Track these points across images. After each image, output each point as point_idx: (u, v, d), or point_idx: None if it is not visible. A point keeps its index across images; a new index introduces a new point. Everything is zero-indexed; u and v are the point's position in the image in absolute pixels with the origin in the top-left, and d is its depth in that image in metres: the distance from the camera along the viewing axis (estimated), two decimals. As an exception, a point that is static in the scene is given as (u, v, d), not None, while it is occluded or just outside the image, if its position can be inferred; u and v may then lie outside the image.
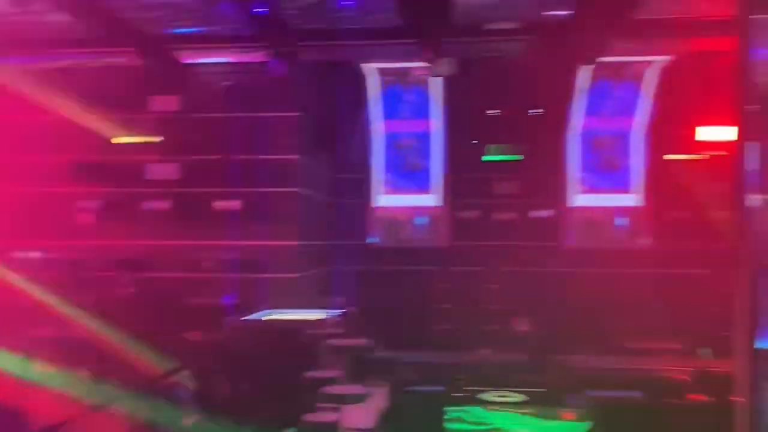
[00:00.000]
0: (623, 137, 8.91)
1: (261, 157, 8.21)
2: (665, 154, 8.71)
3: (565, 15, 6.66)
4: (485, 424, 5.43)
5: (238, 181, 8.24)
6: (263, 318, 7.17)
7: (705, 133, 8.02)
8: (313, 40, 7.19)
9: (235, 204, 8.39)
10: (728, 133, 5.22)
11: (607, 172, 8.92)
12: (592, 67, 7.97)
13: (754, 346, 4.22)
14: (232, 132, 8.17)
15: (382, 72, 8.89)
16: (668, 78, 8.38)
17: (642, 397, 5.42)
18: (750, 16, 4.94)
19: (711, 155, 8.11)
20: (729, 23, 5.09)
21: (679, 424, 5.10)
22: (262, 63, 7.47)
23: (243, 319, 7.00)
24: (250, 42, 7.21)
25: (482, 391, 5.94)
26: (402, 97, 9.01)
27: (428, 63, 7.66)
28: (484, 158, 8.89)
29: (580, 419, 5.31)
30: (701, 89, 7.19)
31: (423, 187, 9.16)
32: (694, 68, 7.78)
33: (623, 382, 5.81)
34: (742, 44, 4.91)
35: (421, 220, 9.01)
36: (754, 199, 5.50)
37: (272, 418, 4.83)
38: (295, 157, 8.28)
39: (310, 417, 4.85)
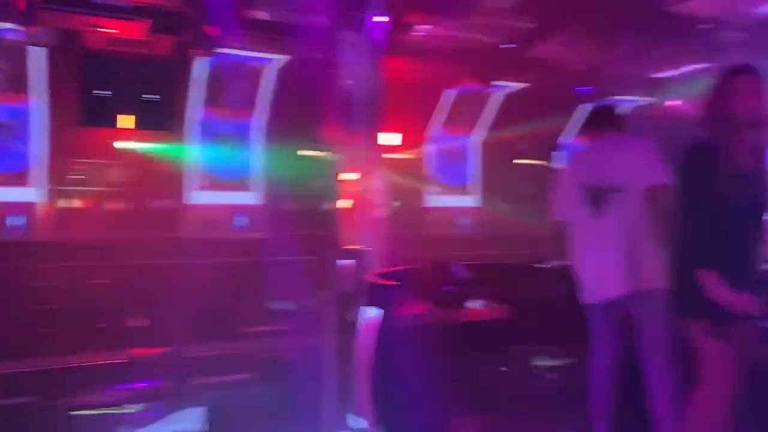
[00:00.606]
0: (243, 132, 9.22)
1: None
2: (281, 151, 9.29)
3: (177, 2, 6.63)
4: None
5: None
6: None
7: (313, 132, 8.83)
8: None
9: None
10: (328, 133, 5.88)
11: (227, 166, 9.11)
12: (209, 58, 8.07)
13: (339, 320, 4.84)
14: None
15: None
16: (285, 77, 8.99)
17: (251, 378, 5.72)
18: (340, 30, 5.65)
19: (321, 153, 8.89)
20: (325, 34, 5.72)
21: (283, 394, 5.57)
22: None
23: None
24: None
25: (81, 396, 5.49)
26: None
27: (25, 29, 6.69)
28: (117, 145, 8.15)
29: (193, 406, 5.35)
30: (310, 91, 7.78)
31: (20, 175, 7.76)
32: (304, 71, 8.42)
33: (237, 366, 6.06)
34: (331, 54, 5.59)
35: (18, 218, 7.63)
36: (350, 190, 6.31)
37: None
38: None
39: None
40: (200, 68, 8.28)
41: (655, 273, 3.19)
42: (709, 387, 2.75)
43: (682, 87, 9.65)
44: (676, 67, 9.87)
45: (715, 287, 2.59)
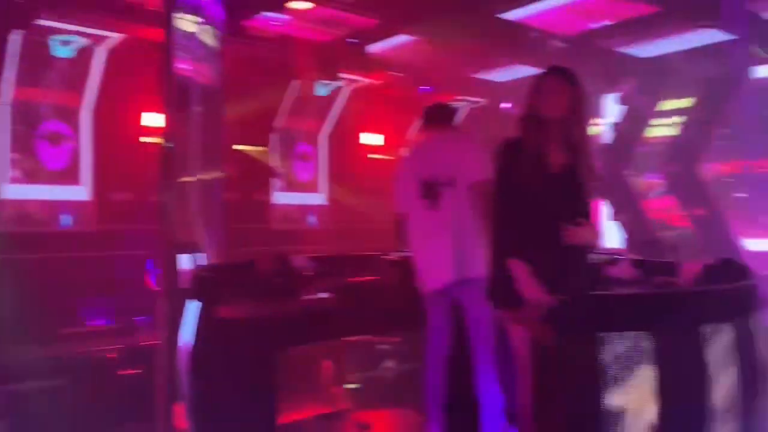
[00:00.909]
0: (68, 116, 8.38)
1: None
2: (110, 136, 8.56)
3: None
4: None
5: None
6: None
7: (146, 119, 8.29)
8: None
9: None
10: (164, 120, 5.52)
11: (48, 152, 8.23)
12: (25, 32, 7.22)
13: (173, 319, 4.58)
14: None
15: None
16: (119, 58, 8.30)
17: (67, 382, 5.27)
18: (173, 13, 5.35)
19: (152, 140, 8.34)
20: (159, 16, 5.39)
21: (107, 399, 5.18)
22: None
23: None
24: None
25: None
26: None
27: None
28: None
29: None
30: (149, 74, 7.26)
31: None
32: (142, 53, 7.86)
33: (53, 370, 5.53)
34: (166, 37, 5.27)
35: None
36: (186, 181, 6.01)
37: None
38: None
39: None
40: (15, 43, 7.35)
41: (478, 262, 3.37)
42: (519, 370, 2.94)
43: (513, 90, 10.36)
44: (508, 71, 10.57)
45: (521, 279, 2.75)
